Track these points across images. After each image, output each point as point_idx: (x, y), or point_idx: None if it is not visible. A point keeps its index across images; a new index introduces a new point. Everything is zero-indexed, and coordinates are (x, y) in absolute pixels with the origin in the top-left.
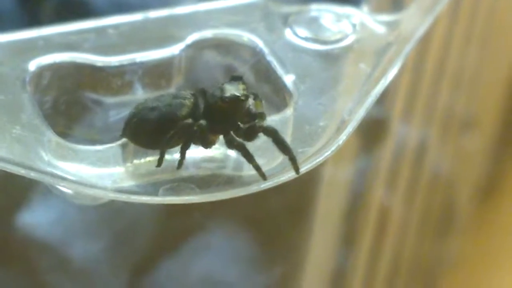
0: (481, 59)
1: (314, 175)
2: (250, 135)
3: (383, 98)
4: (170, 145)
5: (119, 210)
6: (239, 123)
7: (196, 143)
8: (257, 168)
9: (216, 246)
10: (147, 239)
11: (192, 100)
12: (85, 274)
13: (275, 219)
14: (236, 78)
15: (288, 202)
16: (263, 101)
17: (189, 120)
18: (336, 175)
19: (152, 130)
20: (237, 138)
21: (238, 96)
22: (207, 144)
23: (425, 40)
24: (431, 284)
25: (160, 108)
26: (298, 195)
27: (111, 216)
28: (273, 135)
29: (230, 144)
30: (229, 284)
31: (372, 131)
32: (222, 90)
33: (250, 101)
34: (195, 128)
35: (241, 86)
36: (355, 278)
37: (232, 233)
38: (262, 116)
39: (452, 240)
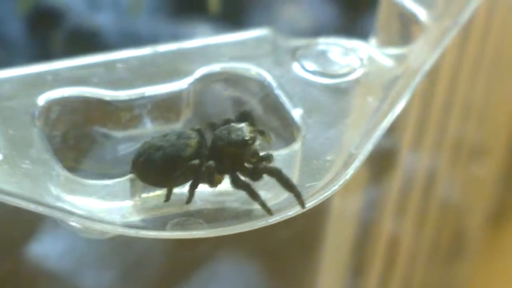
0: (489, 89)
1: (322, 206)
2: (255, 175)
3: (393, 129)
4: (178, 183)
5: (128, 243)
6: (245, 163)
7: (203, 182)
8: (263, 205)
9: (224, 277)
10: (156, 270)
11: (196, 140)
12: None
13: (284, 250)
14: (245, 114)
15: (297, 233)
16: (272, 135)
17: (196, 161)
18: (345, 206)
19: (158, 170)
20: (242, 178)
21: (246, 140)
22: (214, 183)
23: (435, 71)
24: None
25: (165, 149)
26: (307, 226)
27: (120, 248)
28: (277, 175)
29: (235, 183)
30: None
31: (381, 161)
32: (229, 131)
33: (257, 142)
34: (203, 169)
35: (248, 128)
36: None
37: (240, 264)
38: (269, 158)
39: (462, 267)
